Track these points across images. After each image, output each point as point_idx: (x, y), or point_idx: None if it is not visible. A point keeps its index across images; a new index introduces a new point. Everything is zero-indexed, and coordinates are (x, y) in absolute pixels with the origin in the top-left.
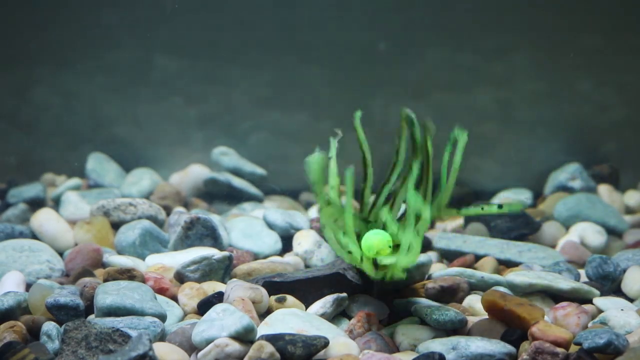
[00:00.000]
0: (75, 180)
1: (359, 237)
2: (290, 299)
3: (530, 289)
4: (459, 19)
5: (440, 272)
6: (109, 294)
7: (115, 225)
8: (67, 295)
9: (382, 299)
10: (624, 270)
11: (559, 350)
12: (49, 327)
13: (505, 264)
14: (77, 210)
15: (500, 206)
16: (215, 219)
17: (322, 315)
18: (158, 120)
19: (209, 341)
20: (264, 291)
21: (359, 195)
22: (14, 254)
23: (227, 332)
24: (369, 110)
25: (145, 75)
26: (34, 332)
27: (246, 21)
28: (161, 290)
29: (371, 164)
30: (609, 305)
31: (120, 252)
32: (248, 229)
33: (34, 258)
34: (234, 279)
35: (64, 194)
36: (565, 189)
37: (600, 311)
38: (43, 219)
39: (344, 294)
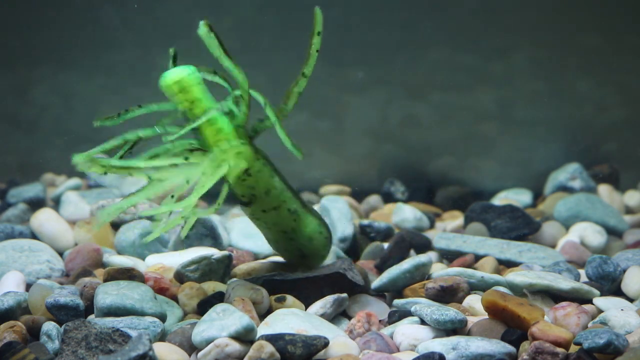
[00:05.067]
0: (75, 180)
1: None
2: (290, 298)
3: (530, 288)
4: (459, 19)
5: (440, 272)
6: (109, 294)
7: (115, 225)
8: (67, 295)
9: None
10: (624, 270)
11: (559, 350)
12: (49, 327)
13: (505, 264)
14: (77, 210)
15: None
16: (215, 219)
17: (322, 315)
18: (158, 120)
19: (209, 341)
20: (264, 292)
21: None
22: (14, 254)
23: (227, 332)
24: (369, 110)
25: (145, 75)
26: (34, 332)
27: (246, 21)
28: (161, 290)
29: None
30: (609, 305)
31: (120, 252)
32: (248, 229)
33: (34, 258)
34: (235, 279)
35: (64, 194)
36: (565, 189)
37: (600, 311)
38: (43, 219)
39: (345, 294)
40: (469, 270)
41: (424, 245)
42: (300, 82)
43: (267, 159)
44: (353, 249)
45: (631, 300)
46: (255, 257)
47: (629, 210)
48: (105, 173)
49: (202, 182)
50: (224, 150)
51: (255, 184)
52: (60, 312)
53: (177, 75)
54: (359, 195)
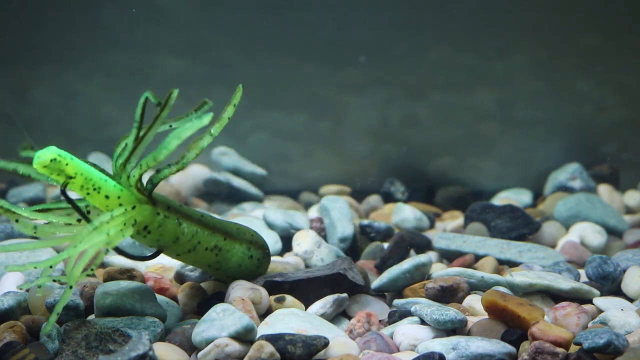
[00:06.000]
0: None
1: None
2: (289, 298)
3: (530, 288)
4: (459, 19)
5: (440, 272)
6: (109, 294)
7: None
8: None
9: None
10: (624, 270)
11: (559, 350)
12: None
13: (505, 264)
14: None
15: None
16: None
17: (322, 315)
18: None
19: (209, 341)
20: (264, 292)
21: None
22: (14, 254)
23: (227, 332)
24: (369, 110)
25: (145, 75)
26: (34, 332)
27: (246, 21)
28: (161, 290)
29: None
30: (609, 305)
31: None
32: None
33: (34, 258)
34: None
35: None
36: (565, 189)
37: (600, 311)
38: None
39: (345, 295)
40: (469, 270)
41: (424, 245)
42: (206, 138)
43: (171, 208)
44: (353, 249)
45: (631, 300)
46: None
47: (629, 210)
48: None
49: (77, 249)
50: (105, 222)
51: (160, 237)
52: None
53: (46, 157)
54: (359, 195)
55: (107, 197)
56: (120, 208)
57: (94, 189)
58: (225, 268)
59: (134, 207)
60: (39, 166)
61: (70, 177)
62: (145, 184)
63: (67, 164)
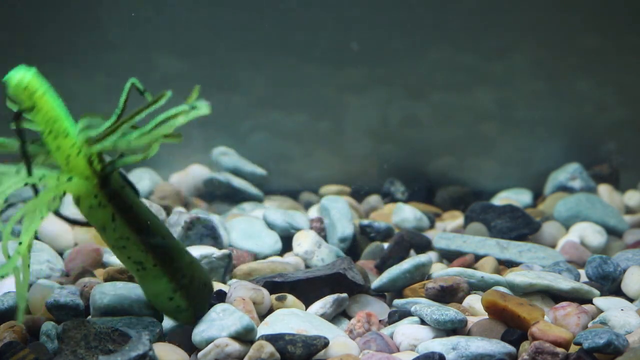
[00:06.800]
0: None
1: None
2: (290, 297)
3: (530, 288)
4: (459, 19)
5: (440, 272)
6: (106, 294)
7: None
8: (67, 295)
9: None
10: (624, 270)
11: (559, 350)
12: (49, 327)
13: (505, 264)
14: (77, 210)
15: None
16: (215, 219)
17: (322, 315)
18: None
19: (208, 341)
20: (265, 292)
21: None
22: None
23: (227, 332)
24: (369, 110)
25: (145, 75)
26: (33, 332)
27: (246, 21)
28: None
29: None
30: (609, 305)
31: None
32: (248, 229)
33: (34, 258)
34: (235, 279)
35: None
36: (565, 189)
37: (600, 311)
38: None
39: (345, 294)
40: (469, 270)
41: (424, 245)
42: (181, 116)
43: (113, 200)
44: (353, 249)
45: (631, 300)
46: (256, 257)
47: (629, 210)
48: None
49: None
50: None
51: (87, 216)
52: (60, 312)
53: (16, 80)
54: (359, 195)
55: (57, 148)
56: (54, 178)
57: (52, 134)
58: (142, 286)
59: (70, 179)
60: (15, 83)
61: (36, 109)
62: (105, 165)
63: (38, 95)
